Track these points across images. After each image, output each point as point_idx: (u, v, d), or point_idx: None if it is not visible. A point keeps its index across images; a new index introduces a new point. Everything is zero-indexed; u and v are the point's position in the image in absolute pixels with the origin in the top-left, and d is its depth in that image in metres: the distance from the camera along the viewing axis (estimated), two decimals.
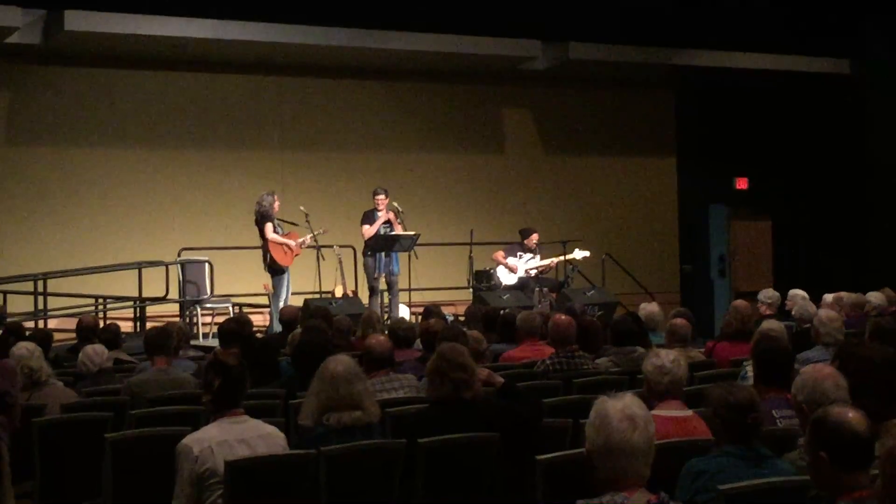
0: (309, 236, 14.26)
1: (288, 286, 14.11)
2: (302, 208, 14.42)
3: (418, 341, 9.33)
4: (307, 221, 14.36)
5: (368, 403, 5.66)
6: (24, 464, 6.53)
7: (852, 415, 3.86)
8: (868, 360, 5.25)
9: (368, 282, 14.51)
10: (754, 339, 6.95)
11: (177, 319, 14.15)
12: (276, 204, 14.15)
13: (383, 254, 14.24)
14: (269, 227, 13.98)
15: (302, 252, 14.24)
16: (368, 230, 14.37)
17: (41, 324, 14.27)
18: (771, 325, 8.32)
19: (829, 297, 12.08)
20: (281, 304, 13.49)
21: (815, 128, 19.70)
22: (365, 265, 14.52)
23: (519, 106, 19.22)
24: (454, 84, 18.46)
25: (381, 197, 14.49)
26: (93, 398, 7.52)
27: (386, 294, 14.72)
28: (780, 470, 4.64)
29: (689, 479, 4.58)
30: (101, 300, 15.29)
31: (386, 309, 14.59)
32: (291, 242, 14.09)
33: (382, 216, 14.40)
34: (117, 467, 6.03)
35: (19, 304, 14.82)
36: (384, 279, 14.46)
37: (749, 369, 7.21)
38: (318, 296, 14.58)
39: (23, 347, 7.77)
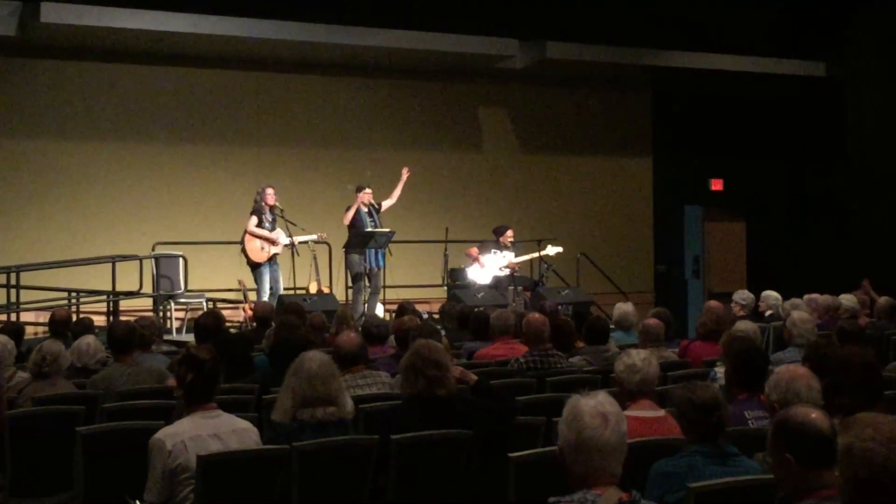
0: (298, 239, 14.31)
1: (274, 281, 14.17)
2: (277, 204, 14.41)
3: (392, 338, 9.33)
4: (282, 216, 14.38)
5: (342, 399, 5.66)
6: None
7: (815, 414, 3.88)
8: (845, 360, 5.29)
9: (352, 272, 14.44)
10: (724, 340, 6.97)
11: (150, 314, 14.13)
12: (269, 196, 14.25)
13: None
14: (252, 220, 14.16)
15: (282, 250, 14.29)
16: (348, 214, 14.35)
17: (13, 317, 14.19)
18: (742, 326, 8.37)
19: (803, 298, 12.14)
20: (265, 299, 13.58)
21: (790, 130, 19.83)
22: (349, 260, 14.44)
23: (496, 104, 19.23)
24: (431, 82, 18.46)
25: (370, 192, 14.51)
26: (64, 392, 7.46)
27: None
28: (747, 467, 4.69)
29: (658, 479, 4.61)
30: (74, 294, 15.22)
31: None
32: (274, 237, 14.14)
33: (365, 210, 14.40)
34: (89, 461, 6.01)
35: None
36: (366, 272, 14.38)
37: (718, 370, 7.24)
38: (292, 292, 14.57)
39: None
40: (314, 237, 14.57)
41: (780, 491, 4.03)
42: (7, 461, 6.58)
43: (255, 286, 14.32)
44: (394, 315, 12.43)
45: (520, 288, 15.30)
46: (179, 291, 14.97)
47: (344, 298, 15.16)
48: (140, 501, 5.17)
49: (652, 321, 9.17)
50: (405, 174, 15.01)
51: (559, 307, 12.91)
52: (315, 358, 5.69)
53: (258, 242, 14.18)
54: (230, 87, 17.20)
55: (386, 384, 7.24)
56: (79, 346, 8.18)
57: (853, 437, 3.36)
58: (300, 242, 14.46)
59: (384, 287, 15.04)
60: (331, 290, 15.12)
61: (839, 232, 18.81)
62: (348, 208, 14.46)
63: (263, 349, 8.98)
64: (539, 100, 19.37)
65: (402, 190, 15.02)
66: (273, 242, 14.18)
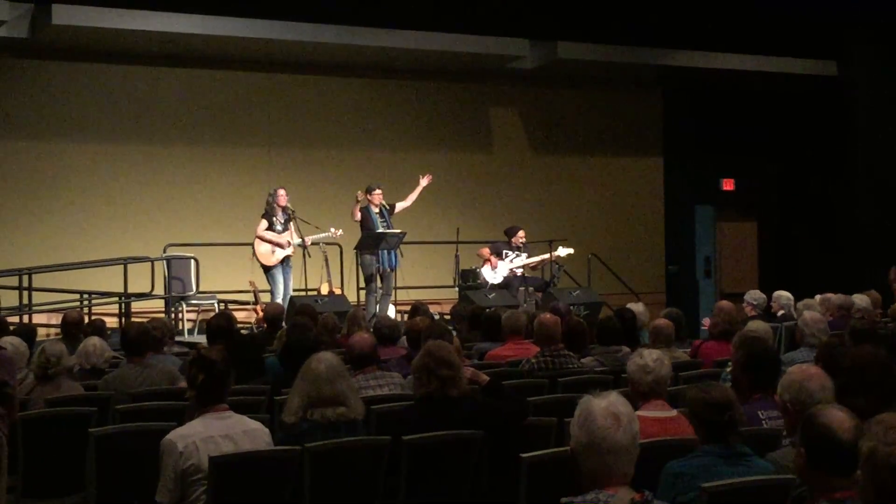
0: (310, 239, 14.30)
1: (284, 283, 14.19)
2: (289, 204, 14.42)
3: (404, 339, 9.33)
4: (294, 217, 14.39)
5: (352, 400, 5.66)
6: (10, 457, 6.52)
7: (841, 420, 3.85)
8: (858, 360, 5.27)
9: (366, 273, 14.43)
10: (735, 341, 6.92)
11: (162, 315, 14.14)
12: (281, 197, 14.27)
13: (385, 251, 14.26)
14: (261, 223, 14.20)
15: (293, 251, 14.30)
16: (356, 213, 14.35)
17: (26, 319, 14.22)
18: (755, 325, 8.34)
19: (816, 298, 12.10)
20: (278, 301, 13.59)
21: (801, 129, 19.77)
22: (362, 261, 14.44)
23: (507, 105, 19.22)
24: (442, 82, 18.47)
25: (379, 192, 14.47)
26: (76, 393, 7.48)
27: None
28: (759, 468, 4.68)
29: (670, 480, 4.60)
30: (86, 296, 15.25)
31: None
32: (282, 241, 14.15)
33: (376, 210, 14.40)
34: (101, 462, 6.02)
35: (4, 299, 14.76)
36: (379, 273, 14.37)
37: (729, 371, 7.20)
38: (304, 293, 14.57)
39: (7, 342, 7.73)
40: (328, 234, 14.53)
41: (796, 489, 4.03)
42: (20, 462, 6.59)
43: (268, 288, 14.34)
44: (405, 316, 12.42)
45: (531, 288, 15.29)
46: (191, 293, 14.99)
47: (355, 299, 15.16)
48: None
49: (662, 322, 9.14)
50: (424, 181, 14.92)
51: (571, 308, 12.90)
52: (323, 359, 5.70)
53: (268, 245, 14.19)
54: (241, 89, 17.21)
55: (398, 385, 7.24)
56: (85, 348, 8.21)
57: (876, 440, 3.33)
58: (312, 243, 14.44)
59: (396, 288, 15.00)
60: (342, 291, 15.12)
61: (851, 231, 18.75)
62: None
63: (275, 350, 8.97)
64: (550, 100, 19.36)
65: (411, 189, 14.98)
66: (281, 246, 14.18)
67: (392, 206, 14.62)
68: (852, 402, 4.49)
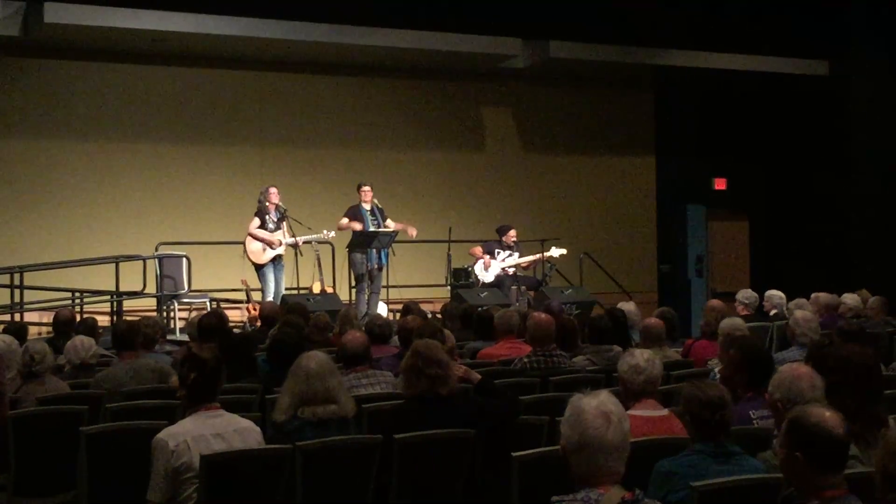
0: (302, 239, 14.31)
1: (276, 282, 14.19)
2: (281, 203, 14.43)
3: (396, 338, 9.33)
4: (287, 217, 14.38)
5: (343, 398, 5.68)
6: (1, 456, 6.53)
7: (831, 417, 3.86)
8: (845, 359, 5.28)
9: (356, 272, 14.45)
10: (723, 340, 6.94)
11: (153, 314, 14.13)
12: (273, 195, 14.28)
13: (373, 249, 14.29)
14: (254, 221, 14.25)
15: (285, 250, 14.30)
16: (345, 224, 14.38)
17: (17, 317, 14.20)
18: (733, 322, 8.35)
19: (811, 297, 12.13)
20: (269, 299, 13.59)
21: (793, 129, 19.79)
22: (351, 260, 14.46)
23: (499, 104, 19.22)
24: (434, 81, 18.46)
25: (368, 188, 14.50)
26: (68, 392, 7.48)
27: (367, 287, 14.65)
28: (749, 467, 4.69)
29: (660, 479, 4.62)
30: (77, 294, 15.23)
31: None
32: (273, 239, 14.14)
33: (367, 208, 14.43)
34: (92, 461, 6.01)
35: None
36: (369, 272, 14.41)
37: (717, 370, 7.21)
38: (296, 292, 14.57)
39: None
40: (320, 236, 14.53)
41: (787, 489, 4.04)
42: (11, 461, 6.58)
43: (259, 286, 14.33)
44: (398, 315, 12.42)
45: (523, 287, 15.30)
46: (183, 291, 14.97)
47: (347, 298, 15.16)
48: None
49: (652, 321, 9.15)
50: (411, 232, 14.92)
51: (563, 307, 12.90)
52: (313, 357, 5.72)
53: (259, 244, 14.20)
54: (232, 87, 17.21)
55: (389, 384, 7.24)
56: (73, 344, 8.24)
57: (893, 430, 3.35)
58: (304, 242, 14.45)
59: (388, 287, 15.03)
60: (334, 290, 15.13)
61: (843, 230, 18.76)
62: (349, 213, 14.47)
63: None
64: (542, 99, 19.36)
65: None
66: (272, 245, 14.19)
67: (384, 215, 14.60)
68: (839, 402, 4.52)
